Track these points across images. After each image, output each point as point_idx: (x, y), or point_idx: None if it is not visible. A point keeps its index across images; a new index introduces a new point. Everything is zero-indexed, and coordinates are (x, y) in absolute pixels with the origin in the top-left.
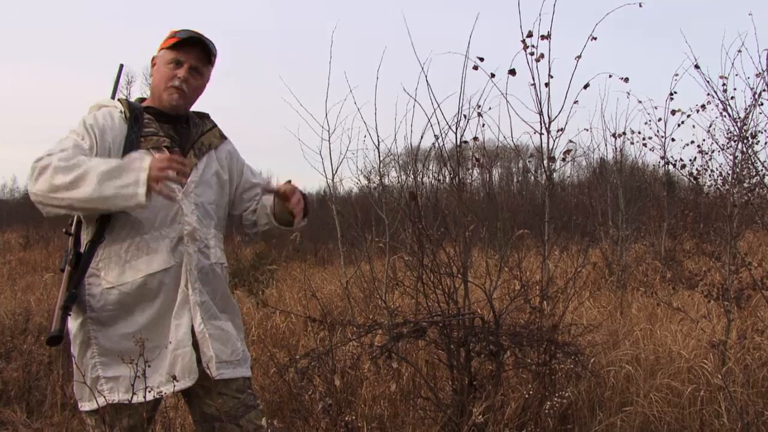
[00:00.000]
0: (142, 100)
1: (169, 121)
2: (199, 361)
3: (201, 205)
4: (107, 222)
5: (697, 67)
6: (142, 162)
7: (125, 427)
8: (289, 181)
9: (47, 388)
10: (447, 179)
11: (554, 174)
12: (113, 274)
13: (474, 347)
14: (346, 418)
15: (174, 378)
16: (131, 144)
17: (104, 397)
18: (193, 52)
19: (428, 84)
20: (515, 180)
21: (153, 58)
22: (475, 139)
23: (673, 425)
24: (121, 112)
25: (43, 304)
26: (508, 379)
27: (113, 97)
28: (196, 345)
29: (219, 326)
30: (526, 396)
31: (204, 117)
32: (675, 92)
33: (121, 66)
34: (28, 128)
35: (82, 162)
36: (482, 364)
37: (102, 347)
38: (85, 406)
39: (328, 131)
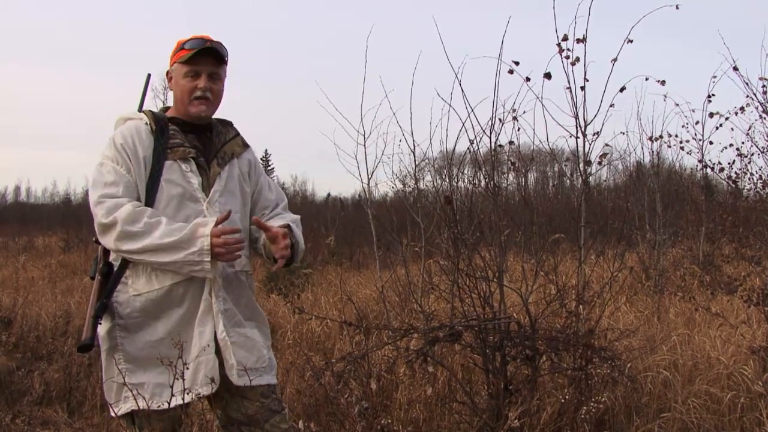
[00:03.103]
0: (166, 109)
1: (194, 130)
2: (224, 366)
3: None
4: None
5: (735, 69)
6: (205, 228)
7: (158, 429)
8: (288, 227)
9: (87, 389)
10: (482, 183)
11: (590, 178)
12: (140, 282)
13: (510, 352)
14: (382, 422)
15: (212, 380)
16: (159, 156)
17: (129, 402)
18: (206, 59)
19: (462, 90)
20: (551, 184)
21: (167, 73)
22: (511, 143)
23: None
24: (146, 124)
25: (83, 306)
26: (544, 383)
27: (140, 108)
28: (219, 352)
29: (243, 333)
30: (562, 401)
31: (227, 125)
32: (713, 95)
33: (149, 76)
34: (64, 132)
35: (148, 229)
36: (518, 368)
37: (128, 354)
38: (112, 411)
39: (364, 135)
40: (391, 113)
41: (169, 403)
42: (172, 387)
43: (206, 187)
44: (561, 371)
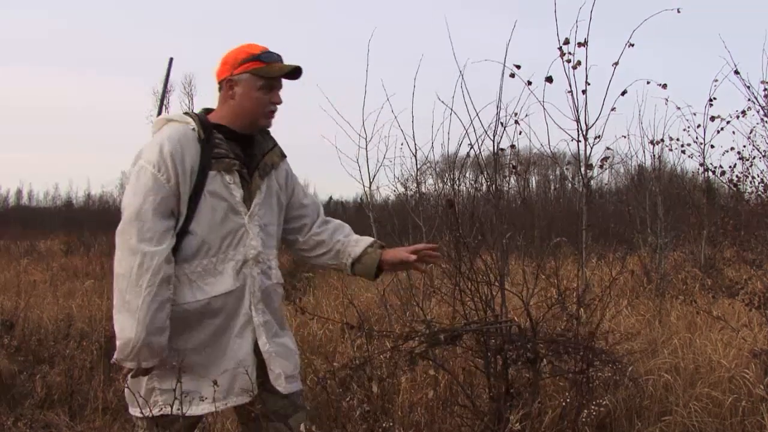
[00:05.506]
0: (207, 111)
1: (237, 138)
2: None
3: (264, 227)
4: (178, 243)
5: (737, 72)
6: (147, 363)
7: (175, 430)
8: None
9: (89, 392)
10: (484, 187)
11: (592, 181)
12: (180, 293)
13: (511, 355)
14: (384, 425)
15: (215, 382)
16: (203, 166)
17: (158, 407)
18: (283, 75)
19: (466, 92)
20: (552, 187)
21: (229, 80)
22: (513, 146)
23: None
24: (194, 130)
25: (85, 310)
26: (546, 387)
27: (164, 92)
28: (259, 363)
29: (282, 343)
30: (564, 404)
31: (266, 134)
32: (714, 98)
33: (171, 60)
34: (69, 136)
35: (140, 287)
36: (519, 371)
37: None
38: (137, 412)
39: (366, 139)
40: (393, 117)
41: (182, 413)
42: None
43: (247, 200)
44: (562, 374)
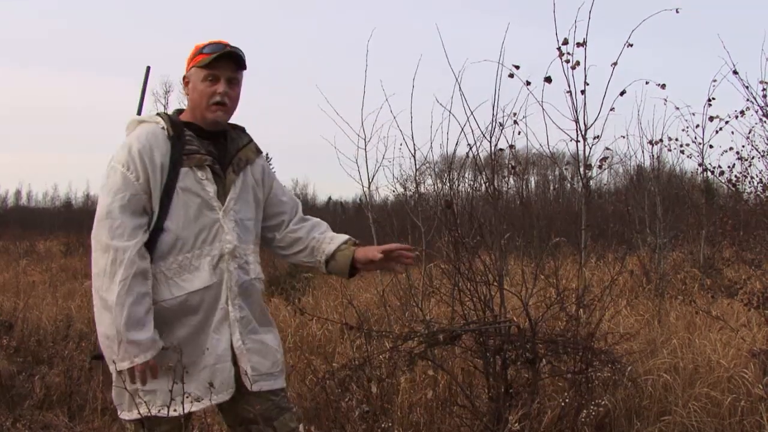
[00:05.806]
0: (179, 111)
1: (209, 136)
2: (239, 372)
3: (240, 221)
4: (153, 241)
5: (735, 72)
6: (137, 358)
7: (162, 431)
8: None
9: (88, 393)
10: (482, 188)
11: (591, 181)
12: (157, 291)
13: (510, 355)
14: (383, 425)
15: (211, 384)
16: (175, 163)
17: (142, 408)
18: (226, 64)
19: (462, 94)
20: (552, 187)
21: (184, 78)
22: (511, 147)
23: None
24: (163, 128)
25: (84, 311)
26: (545, 387)
27: (141, 101)
28: (235, 359)
29: (259, 339)
30: (563, 404)
31: (240, 130)
32: (713, 98)
33: (148, 68)
34: (69, 136)
35: (118, 285)
36: (518, 371)
37: None
38: (125, 415)
39: (364, 139)
40: (392, 117)
41: (183, 410)
42: (182, 393)
43: (221, 195)
44: (561, 374)
